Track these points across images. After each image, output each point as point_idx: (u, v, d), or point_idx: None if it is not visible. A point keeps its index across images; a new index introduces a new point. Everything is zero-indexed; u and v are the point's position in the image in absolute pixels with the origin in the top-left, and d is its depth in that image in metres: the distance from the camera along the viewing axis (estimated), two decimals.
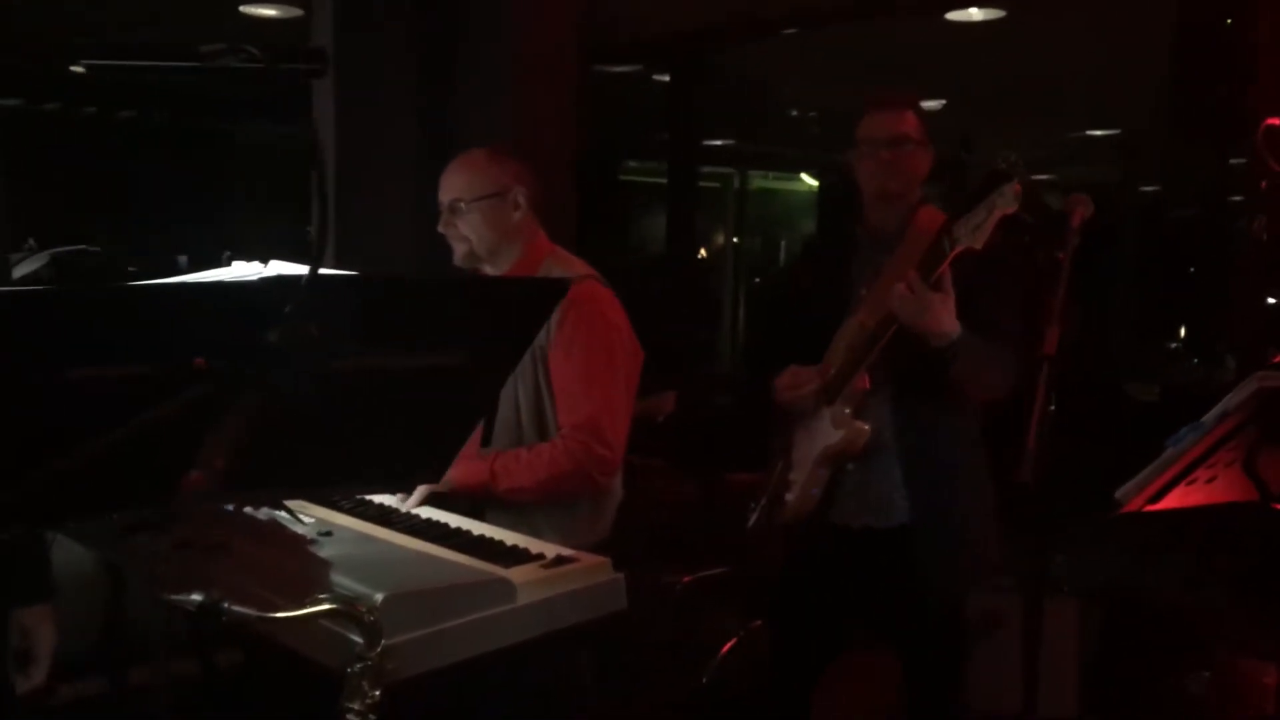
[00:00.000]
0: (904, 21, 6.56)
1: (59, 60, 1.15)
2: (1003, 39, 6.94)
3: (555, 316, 2.51)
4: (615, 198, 11.69)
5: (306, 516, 2.23)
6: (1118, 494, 2.04)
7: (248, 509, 2.16)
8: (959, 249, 2.41)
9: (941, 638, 2.76)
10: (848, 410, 2.66)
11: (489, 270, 2.64)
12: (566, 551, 2.07)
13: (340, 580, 1.82)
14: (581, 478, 2.48)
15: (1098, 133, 11.12)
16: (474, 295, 1.53)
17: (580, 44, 3.46)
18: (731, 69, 7.92)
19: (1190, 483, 2.03)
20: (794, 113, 10.18)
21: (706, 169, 13.30)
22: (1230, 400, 1.90)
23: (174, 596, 1.59)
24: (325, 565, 1.89)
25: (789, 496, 2.77)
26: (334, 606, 1.62)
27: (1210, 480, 2.05)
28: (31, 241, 9.64)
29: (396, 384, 1.38)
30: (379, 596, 1.74)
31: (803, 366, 2.75)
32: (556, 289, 1.62)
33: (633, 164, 11.29)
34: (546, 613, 1.92)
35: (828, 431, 2.69)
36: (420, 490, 2.41)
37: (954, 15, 6.28)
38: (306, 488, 1.65)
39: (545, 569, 1.97)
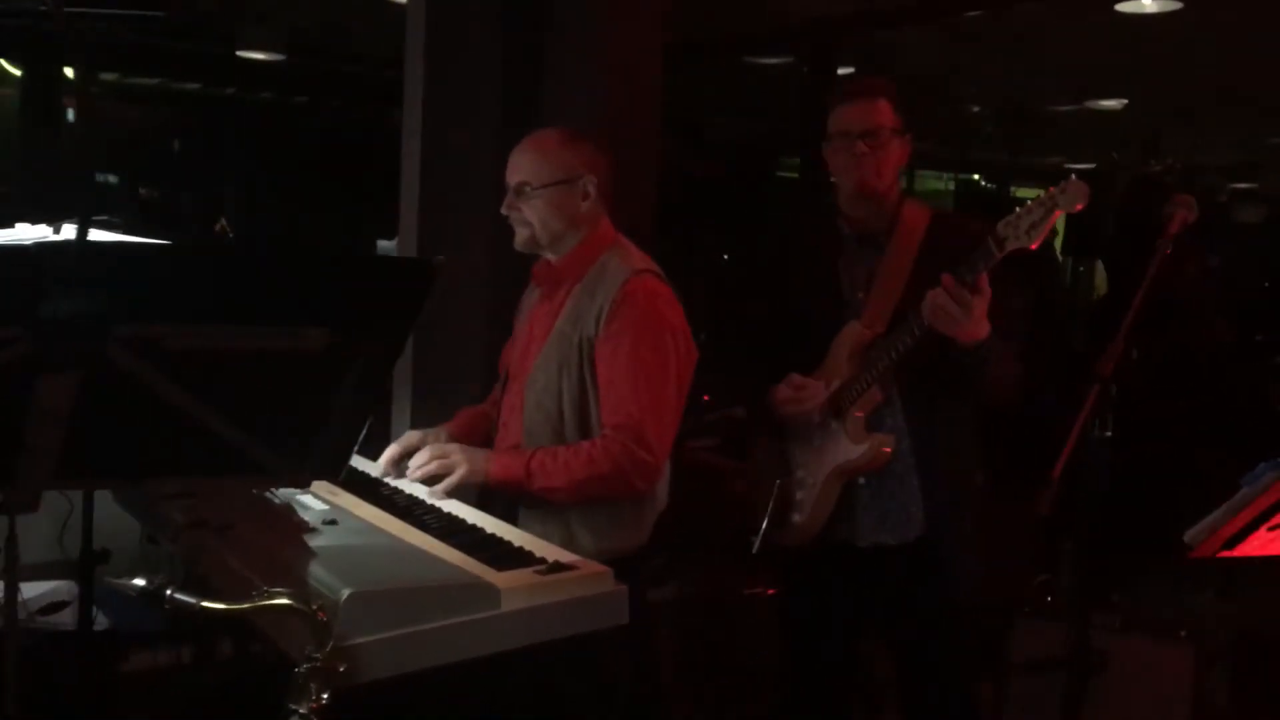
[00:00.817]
0: (1069, 16, 6.16)
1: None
2: (1184, 32, 6.45)
3: (606, 309, 2.40)
4: (769, 193, 11.50)
5: (320, 503, 2.20)
6: (1187, 536, 1.79)
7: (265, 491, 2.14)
8: (1010, 249, 2.21)
9: (951, 653, 2.59)
10: (861, 425, 2.50)
11: (549, 257, 2.55)
12: (569, 558, 1.96)
13: (317, 572, 1.76)
14: (620, 481, 2.36)
15: None
16: (315, 271, 1.36)
17: (661, 37, 3.31)
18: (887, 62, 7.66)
19: (1274, 528, 1.77)
20: (975, 109, 9.78)
21: None
22: None
23: (116, 581, 1.56)
24: (309, 556, 1.83)
25: (797, 517, 2.59)
26: (280, 602, 1.56)
27: None
28: (224, 221, 10.15)
29: (246, 367, 1.28)
30: (345, 593, 1.67)
31: (805, 377, 2.57)
32: (424, 270, 1.47)
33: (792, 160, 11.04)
34: (534, 622, 1.81)
35: (845, 447, 2.51)
36: (451, 480, 2.34)
37: (1124, 7, 5.86)
38: (164, 474, 1.54)
39: (539, 575, 1.86)
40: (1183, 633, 3.28)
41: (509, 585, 1.81)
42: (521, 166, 2.47)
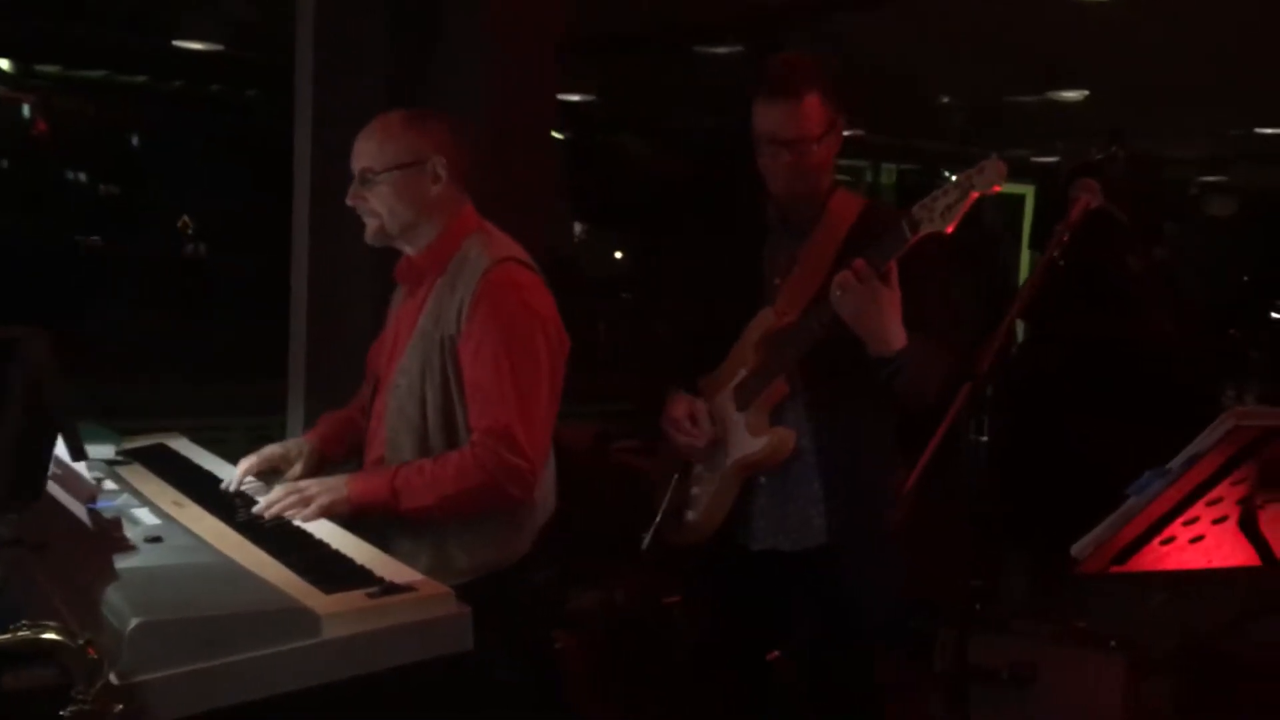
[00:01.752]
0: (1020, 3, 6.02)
1: None
2: (1139, 19, 6.32)
3: (467, 303, 2.22)
4: (742, 189, 11.31)
5: (155, 517, 2.03)
6: (1074, 550, 1.64)
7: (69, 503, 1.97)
8: (924, 233, 2.05)
9: (855, 670, 2.43)
10: (764, 417, 2.33)
11: (408, 250, 2.36)
12: (411, 578, 1.79)
13: (113, 599, 1.59)
14: (493, 492, 2.18)
15: (1268, 130, 10.18)
16: None
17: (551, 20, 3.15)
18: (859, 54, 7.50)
19: (1167, 541, 1.62)
20: (944, 101, 9.64)
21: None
22: (1201, 442, 1.48)
23: None
24: (111, 578, 1.65)
25: (691, 515, 2.43)
26: (45, 636, 1.39)
27: (1196, 540, 1.63)
28: (185, 218, 9.88)
29: None
30: (133, 622, 1.50)
31: (694, 399, 2.42)
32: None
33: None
34: (362, 651, 1.66)
35: (744, 440, 2.34)
36: (319, 503, 2.16)
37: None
38: None
39: (370, 598, 1.70)
40: (1113, 643, 3.14)
41: (332, 610, 1.65)
42: (364, 152, 2.27)
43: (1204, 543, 1.63)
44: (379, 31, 3.09)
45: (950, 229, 2.00)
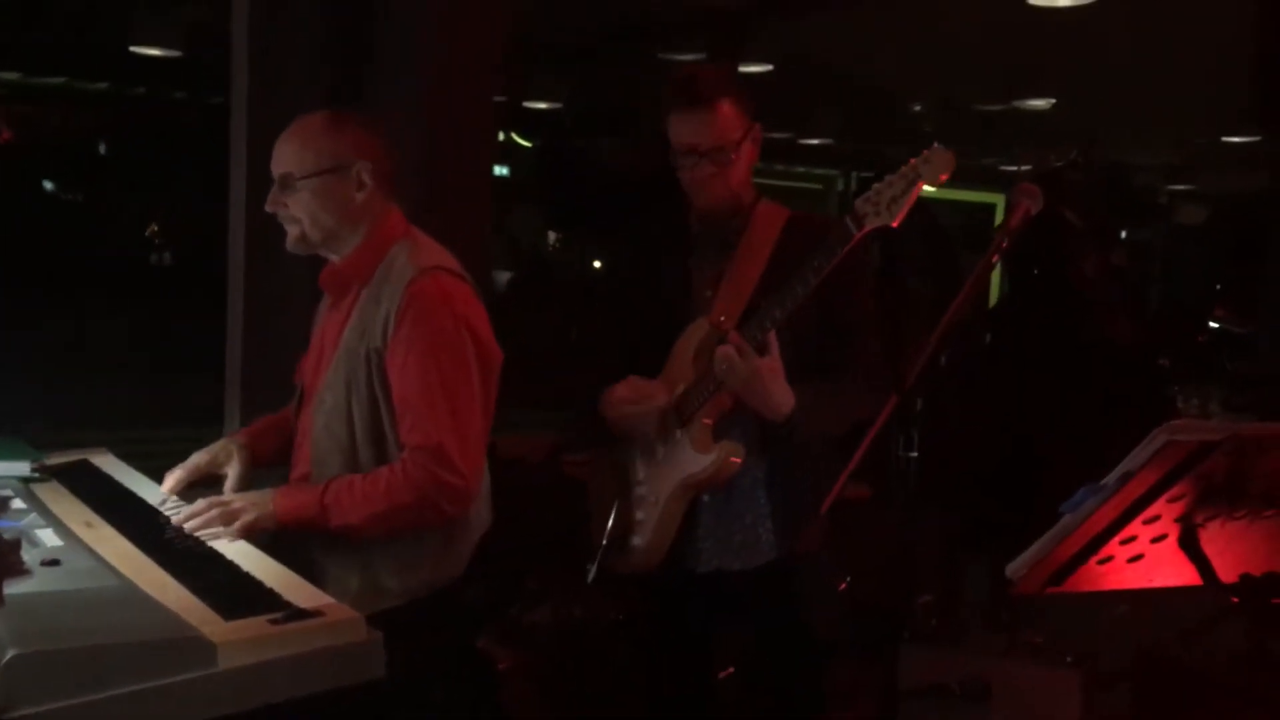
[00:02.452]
0: (981, 6, 5.97)
1: None
2: (1102, 27, 6.29)
3: (393, 315, 2.13)
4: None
5: (59, 538, 1.93)
6: (1009, 570, 1.57)
7: None
8: (870, 227, 1.98)
9: (806, 686, 2.35)
10: (708, 434, 2.24)
11: (332, 258, 2.27)
12: (321, 602, 1.71)
13: None
14: (426, 510, 2.09)
15: (1235, 139, 10.19)
16: None
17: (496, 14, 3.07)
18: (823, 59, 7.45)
19: (1105, 561, 1.56)
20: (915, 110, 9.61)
21: (800, 169, 12.79)
22: (1134, 458, 1.42)
23: None
24: None
25: (638, 540, 2.33)
26: None
27: (1135, 559, 1.57)
28: (154, 226, 9.82)
29: None
30: (8, 654, 1.41)
31: (643, 379, 2.33)
32: None
33: None
34: (261, 681, 1.57)
35: (690, 458, 2.25)
36: (243, 520, 2.07)
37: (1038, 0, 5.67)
38: None
39: (272, 625, 1.61)
40: (1069, 657, 3.08)
41: (230, 638, 1.56)
42: (285, 156, 2.18)
43: (1143, 562, 1.56)
44: (315, 34, 3.00)
45: (896, 222, 1.93)
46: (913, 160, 1.96)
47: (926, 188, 1.98)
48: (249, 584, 1.80)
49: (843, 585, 3.50)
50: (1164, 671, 3.28)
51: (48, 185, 10.23)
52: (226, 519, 2.07)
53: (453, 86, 2.92)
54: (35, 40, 7.78)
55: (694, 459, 2.25)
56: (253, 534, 2.08)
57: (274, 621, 1.62)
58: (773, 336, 2.09)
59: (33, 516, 2.07)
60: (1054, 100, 8.72)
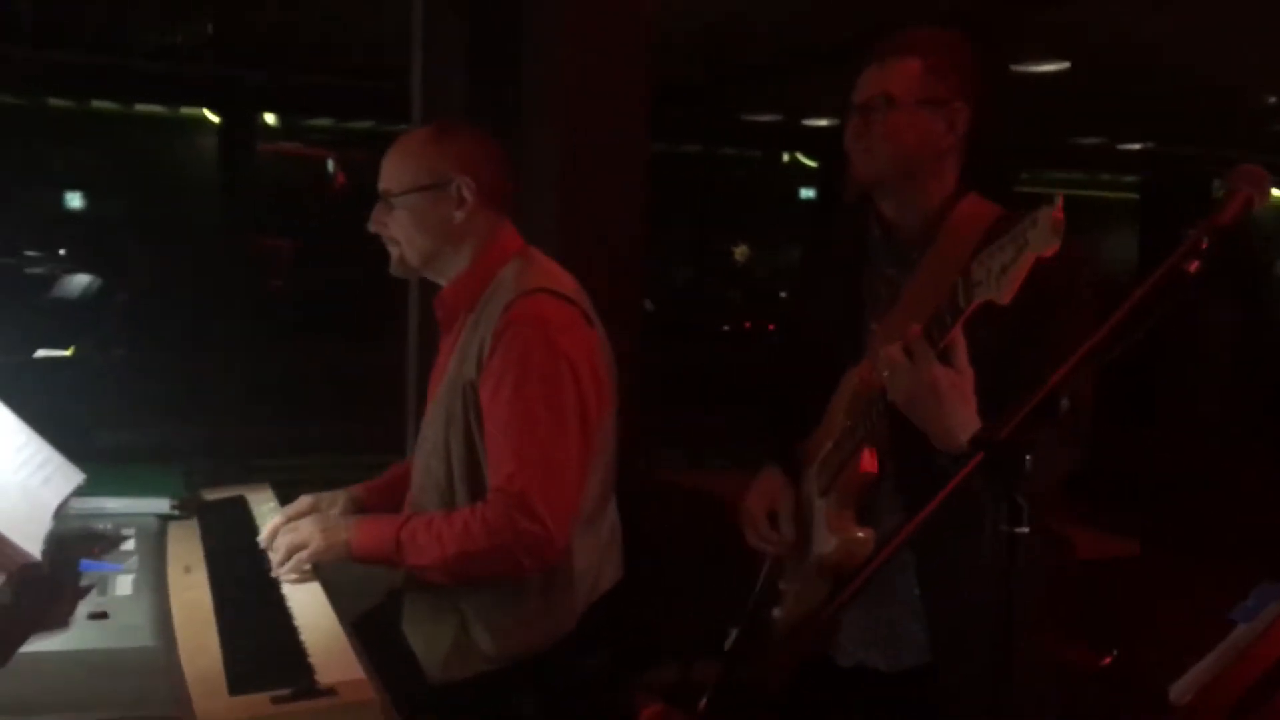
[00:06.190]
0: None
1: None
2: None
3: (487, 340, 1.92)
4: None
5: (130, 588, 1.84)
6: (1172, 694, 1.14)
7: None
8: (978, 303, 1.49)
9: None
10: (847, 507, 1.80)
11: (440, 282, 2.08)
12: (344, 678, 1.50)
13: None
14: (501, 559, 1.86)
15: None
16: None
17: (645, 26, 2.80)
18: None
19: None
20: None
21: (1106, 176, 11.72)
22: None
23: None
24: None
25: (777, 612, 1.95)
26: None
27: None
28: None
29: None
30: None
31: (782, 487, 1.93)
32: None
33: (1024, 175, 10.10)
34: None
35: (821, 536, 1.84)
36: (314, 547, 1.92)
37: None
38: None
39: (275, 705, 1.42)
40: None
41: (223, 718, 1.38)
42: (384, 172, 2.03)
43: None
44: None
45: (1008, 299, 1.45)
46: (1021, 224, 1.42)
47: None
48: (285, 650, 1.62)
49: (1107, 659, 2.96)
50: None
51: None
52: (295, 545, 1.93)
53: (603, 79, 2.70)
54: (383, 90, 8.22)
55: (824, 538, 1.84)
56: (325, 561, 1.94)
57: (277, 700, 1.43)
58: (960, 339, 1.57)
59: (133, 560, 2.01)
60: None
